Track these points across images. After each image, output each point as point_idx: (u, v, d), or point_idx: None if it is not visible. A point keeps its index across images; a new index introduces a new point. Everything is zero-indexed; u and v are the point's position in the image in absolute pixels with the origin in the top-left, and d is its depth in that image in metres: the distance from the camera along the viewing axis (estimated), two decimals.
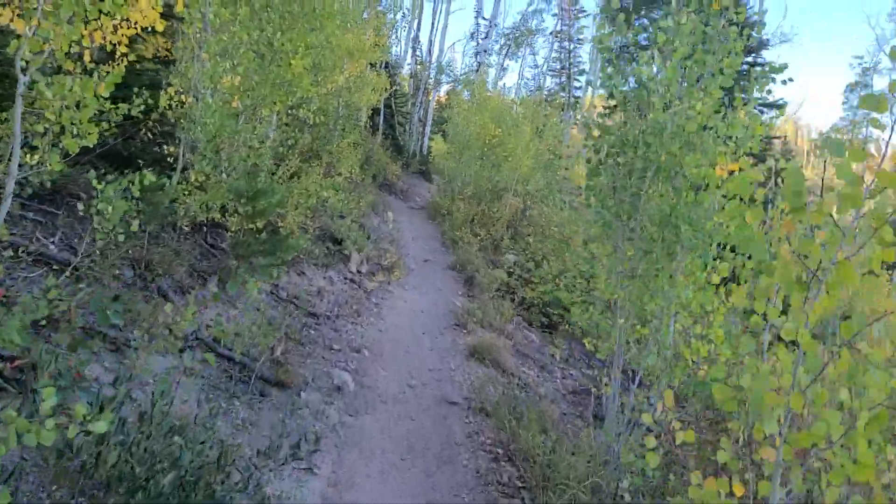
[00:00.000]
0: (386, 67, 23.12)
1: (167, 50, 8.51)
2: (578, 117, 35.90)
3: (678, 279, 5.18)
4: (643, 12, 23.58)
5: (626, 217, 5.54)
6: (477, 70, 19.73)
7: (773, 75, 5.13)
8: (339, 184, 11.77)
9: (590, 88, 33.26)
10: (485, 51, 19.97)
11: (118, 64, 6.28)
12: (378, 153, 21.26)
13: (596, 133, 5.91)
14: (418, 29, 29.92)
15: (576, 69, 40.04)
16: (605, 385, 5.61)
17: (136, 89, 6.86)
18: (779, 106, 17.66)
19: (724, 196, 5.17)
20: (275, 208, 7.18)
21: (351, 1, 12.22)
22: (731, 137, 5.35)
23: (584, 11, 39.17)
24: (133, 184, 5.29)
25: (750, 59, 17.47)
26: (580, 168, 16.40)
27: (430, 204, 18.96)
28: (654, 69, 5.44)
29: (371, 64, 20.19)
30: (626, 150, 5.76)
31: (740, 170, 5.20)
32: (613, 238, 5.71)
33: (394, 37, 14.36)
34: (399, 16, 14.57)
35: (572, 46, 39.71)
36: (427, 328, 8.76)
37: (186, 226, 7.07)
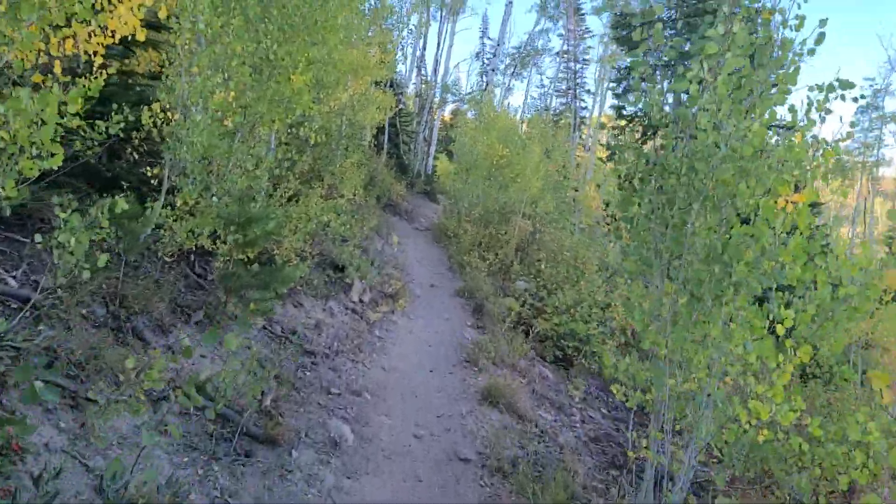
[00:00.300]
0: (391, 86, 22.57)
1: (160, 64, 7.85)
2: (585, 136, 35.31)
3: (732, 328, 4.41)
4: (649, 32, 23.00)
5: (667, 254, 4.79)
6: (484, 89, 19.11)
7: (842, 91, 4.38)
8: (342, 206, 11.06)
9: (596, 107, 32.66)
10: (492, 69, 19.33)
11: (96, 77, 5.60)
12: (382, 173, 20.60)
13: (630, 157, 5.17)
14: (424, 48, 29.46)
15: (581, 89, 39.60)
16: (645, 448, 4.81)
17: (118, 105, 6.19)
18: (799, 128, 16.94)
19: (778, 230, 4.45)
20: (269, 236, 6.45)
21: (355, 17, 11.62)
22: (786, 163, 4.60)
23: (590, 32, 38.79)
24: (103, 212, 4.57)
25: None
26: (591, 190, 15.72)
27: (436, 225, 18.24)
28: (700, 85, 4.70)
29: (376, 82, 19.62)
30: (664, 176, 5.02)
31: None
32: (652, 277, 4.95)
33: (399, 54, 13.65)
34: (405, 32, 13.90)
35: (578, 67, 39.29)
36: (435, 365, 7.98)
37: (169, 256, 6.32)
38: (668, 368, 4.65)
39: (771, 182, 4.35)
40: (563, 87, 39.26)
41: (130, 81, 7.87)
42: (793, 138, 4.74)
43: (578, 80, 39.65)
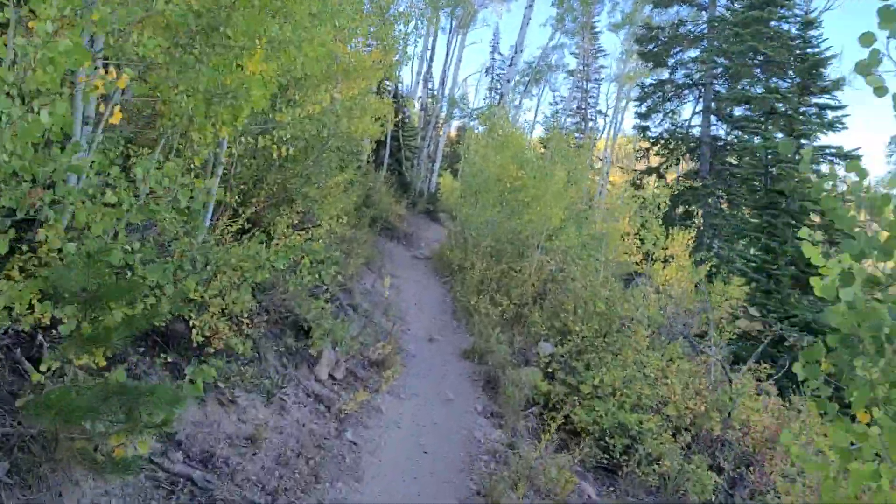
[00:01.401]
0: (394, 97, 19.83)
1: None
2: (596, 157, 32.44)
3: None
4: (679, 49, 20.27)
5: None
6: (498, 102, 16.26)
7: None
8: (319, 238, 8.17)
9: (611, 128, 29.81)
10: (507, 80, 16.43)
11: None
12: (380, 192, 17.77)
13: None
14: (431, 59, 26.74)
15: (593, 109, 36.88)
16: None
17: None
18: (851, 156, 14.14)
19: None
20: (149, 321, 3.52)
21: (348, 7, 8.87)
22: None
23: (604, 51, 36.17)
24: None
25: (821, 100, 14.04)
26: (623, 223, 12.80)
27: (438, 254, 15.37)
28: None
29: (377, 90, 16.87)
30: None
31: None
32: None
33: (402, 55, 10.79)
34: (411, 27, 11.05)
35: (590, 86, 36.59)
36: (435, 501, 5.04)
37: None
38: None
39: None
40: (574, 106, 36.62)
41: None
42: None
43: (590, 100, 37.02)
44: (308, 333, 6.58)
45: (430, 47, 26.67)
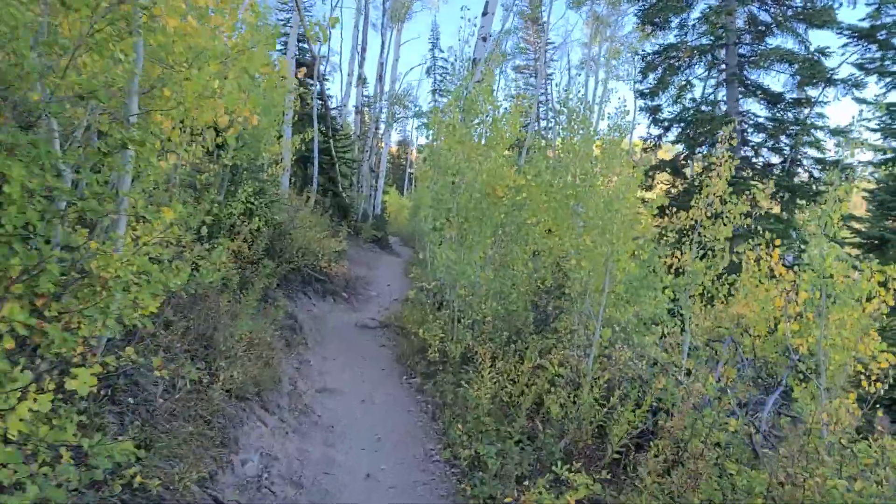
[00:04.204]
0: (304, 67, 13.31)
1: None
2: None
3: None
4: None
5: None
6: (472, 67, 9.85)
7: None
8: None
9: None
10: (482, 38, 9.99)
11: None
12: (304, 223, 11.09)
13: None
14: (363, 54, 20.20)
15: (544, 108, 31.14)
16: None
17: None
18: None
19: None
20: None
21: None
22: None
23: (552, 43, 30.42)
24: None
25: None
26: (762, 266, 6.47)
27: (399, 320, 8.86)
28: None
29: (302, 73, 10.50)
30: None
31: None
32: None
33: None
34: None
35: (541, 81, 30.81)
36: None
37: None
38: None
39: None
40: (526, 105, 30.80)
41: None
42: None
43: (542, 98, 31.28)
44: None
45: (360, 43, 20.19)
